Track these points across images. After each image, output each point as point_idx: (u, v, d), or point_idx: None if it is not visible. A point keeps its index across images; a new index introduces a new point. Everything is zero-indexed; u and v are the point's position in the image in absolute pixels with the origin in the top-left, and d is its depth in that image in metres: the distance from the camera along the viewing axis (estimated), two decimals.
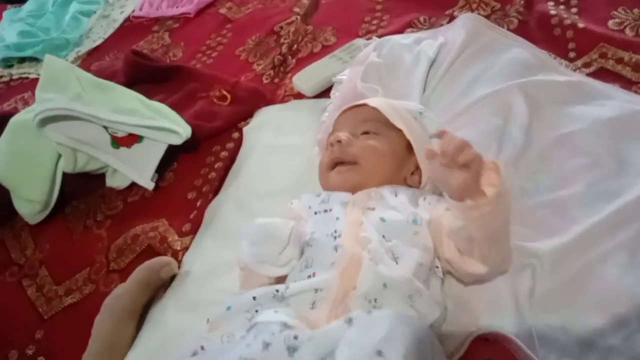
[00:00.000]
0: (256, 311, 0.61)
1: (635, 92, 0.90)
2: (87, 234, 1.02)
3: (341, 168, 0.77)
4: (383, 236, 0.66)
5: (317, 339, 0.52)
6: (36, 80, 1.50)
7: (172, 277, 0.86)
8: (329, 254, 0.65)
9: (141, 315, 0.80)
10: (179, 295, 0.83)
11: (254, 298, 0.62)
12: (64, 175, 1.02)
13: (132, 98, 1.05)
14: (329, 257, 0.64)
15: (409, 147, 0.78)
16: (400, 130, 0.78)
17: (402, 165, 0.78)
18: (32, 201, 1.02)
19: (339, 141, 0.77)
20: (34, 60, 1.59)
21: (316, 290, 0.60)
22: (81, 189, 1.07)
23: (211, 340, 0.60)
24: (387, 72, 1.02)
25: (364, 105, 0.82)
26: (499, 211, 0.62)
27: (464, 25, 1.07)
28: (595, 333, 0.64)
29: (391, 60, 1.04)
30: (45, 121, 0.97)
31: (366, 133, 0.79)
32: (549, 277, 0.69)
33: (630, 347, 0.62)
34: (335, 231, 0.68)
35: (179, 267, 0.87)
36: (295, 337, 0.52)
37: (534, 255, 0.71)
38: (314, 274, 0.63)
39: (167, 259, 0.85)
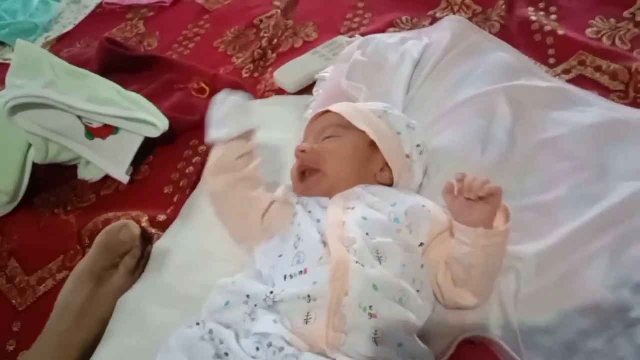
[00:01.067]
0: (255, 305, 0.62)
1: (613, 100, 0.93)
2: (55, 220, 0.98)
3: (307, 182, 0.78)
4: (367, 234, 0.66)
5: None
6: (2, 65, 1.46)
7: (144, 260, 0.84)
8: (318, 248, 0.64)
9: (102, 280, 0.78)
10: (156, 287, 0.79)
11: (248, 296, 0.62)
12: (34, 165, 0.98)
13: (108, 87, 1.01)
14: (318, 252, 0.64)
15: (372, 146, 0.79)
16: (362, 131, 0.78)
17: (367, 164, 0.79)
18: None
19: (303, 151, 0.78)
20: (0, 44, 1.52)
21: (309, 299, 0.59)
22: (52, 181, 1.02)
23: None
24: (371, 71, 1.01)
25: (328, 112, 0.83)
26: (502, 246, 0.67)
27: (450, 26, 1.08)
28: (579, 335, 0.65)
29: (376, 59, 1.03)
30: (17, 109, 0.92)
31: (328, 138, 0.80)
32: (533, 280, 0.70)
33: (613, 350, 0.63)
34: (318, 232, 0.67)
35: (150, 253, 0.84)
36: None
37: (518, 258, 0.72)
38: (305, 270, 0.63)
39: (124, 221, 0.84)
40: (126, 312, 0.76)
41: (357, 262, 0.62)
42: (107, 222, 0.91)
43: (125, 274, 0.80)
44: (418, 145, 0.81)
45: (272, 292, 0.61)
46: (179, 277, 0.80)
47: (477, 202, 0.65)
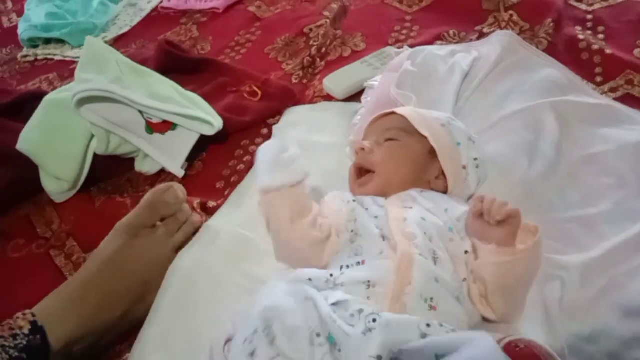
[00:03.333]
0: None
1: None
2: (111, 202, 1.02)
3: (361, 180, 0.80)
4: (424, 233, 0.68)
5: (393, 327, 0.53)
6: (61, 62, 1.54)
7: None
8: (377, 242, 0.67)
9: (139, 235, 0.78)
10: (206, 268, 0.80)
11: (310, 280, 0.63)
12: (95, 156, 1.03)
13: (167, 86, 1.07)
14: (377, 245, 0.66)
15: (431, 153, 0.81)
16: (424, 137, 0.81)
17: (424, 170, 0.80)
18: (60, 179, 1.02)
19: (362, 149, 0.81)
20: (60, 42, 1.58)
21: (368, 285, 0.61)
22: (110, 172, 1.07)
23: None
24: (421, 81, 1.03)
25: (392, 113, 0.86)
26: (519, 265, 0.65)
27: (499, 41, 1.10)
28: (622, 346, 0.66)
29: (425, 70, 1.06)
30: (83, 101, 0.97)
31: (389, 140, 0.82)
32: (577, 289, 0.72)
33: None
34: (377, 228, 0.70)
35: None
36: (374, 320, 0.54)
37: (563, 267, 0.74)
38: (363, 262, 0.65)
39: (171, 183, 0.84)
40: (178, 286, 0.76)
41: (420, 255, 0.64)
42: None
43: (163, 236, 0.79)
44: (475, 159, 0.82)
45: (332, 275, 0.63)
46: (227, 262, 0.81)
47: (493, 226, 0.66)
